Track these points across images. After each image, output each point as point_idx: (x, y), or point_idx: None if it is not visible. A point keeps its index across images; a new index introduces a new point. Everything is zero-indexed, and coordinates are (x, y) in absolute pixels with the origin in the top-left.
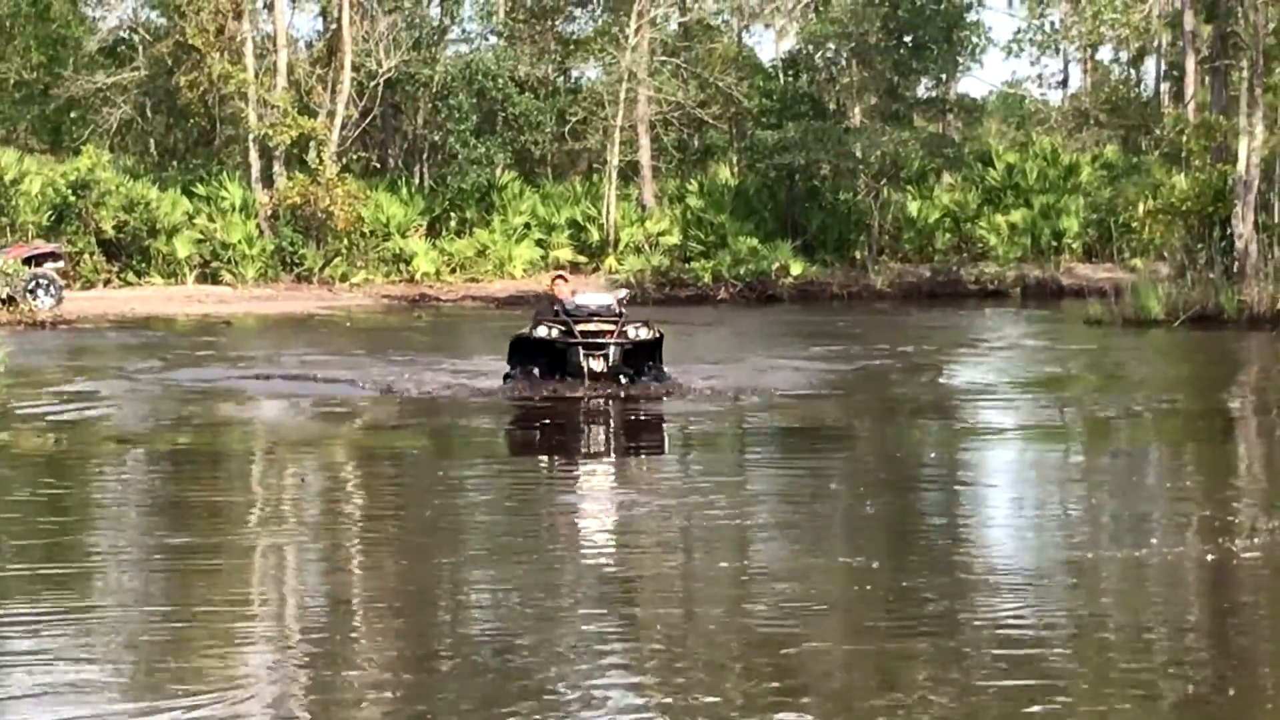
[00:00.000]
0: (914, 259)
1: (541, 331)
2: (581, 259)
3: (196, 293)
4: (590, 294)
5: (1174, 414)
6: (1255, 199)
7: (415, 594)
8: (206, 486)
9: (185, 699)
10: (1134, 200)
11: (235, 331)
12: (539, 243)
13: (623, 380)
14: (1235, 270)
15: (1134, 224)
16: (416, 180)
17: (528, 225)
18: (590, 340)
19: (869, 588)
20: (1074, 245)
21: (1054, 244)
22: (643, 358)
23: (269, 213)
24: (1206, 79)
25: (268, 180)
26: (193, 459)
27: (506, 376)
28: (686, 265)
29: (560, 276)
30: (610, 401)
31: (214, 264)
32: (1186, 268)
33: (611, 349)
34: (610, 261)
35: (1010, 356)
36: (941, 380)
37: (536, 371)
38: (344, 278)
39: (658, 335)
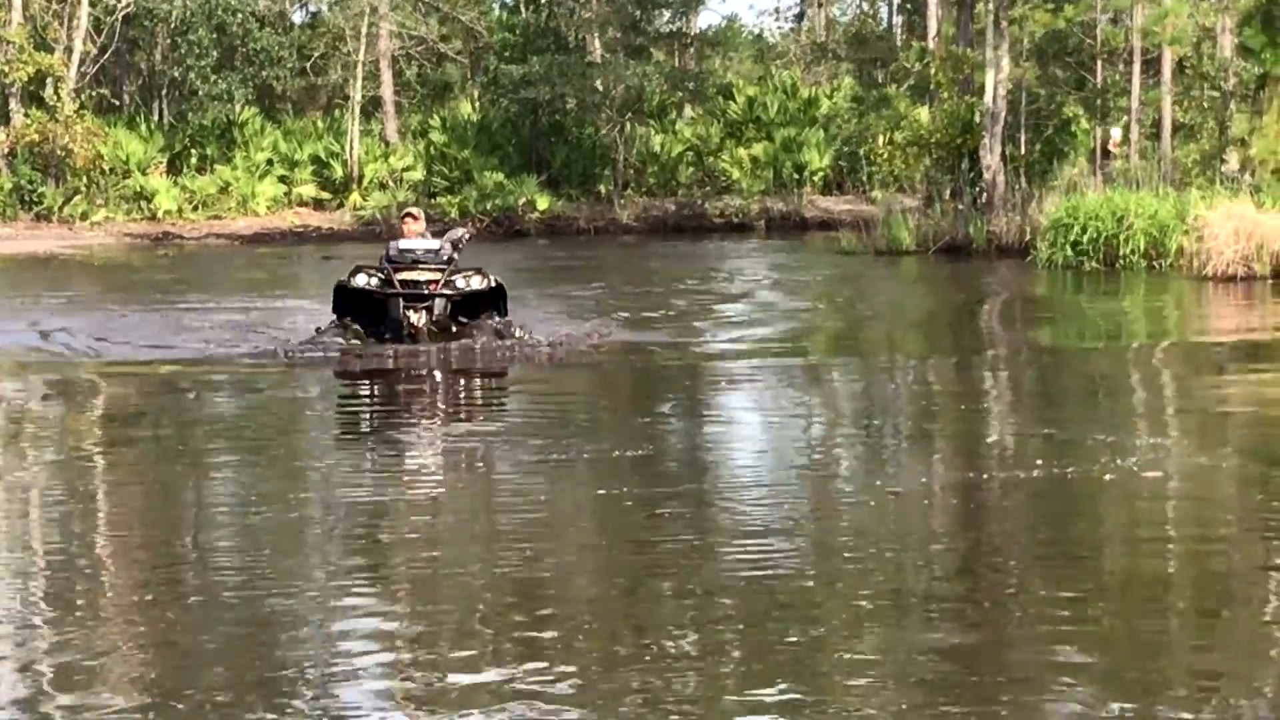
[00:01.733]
0: (658, 193)
1: (360, 280)
2: (325, 195)
3: None
4: (416, 240)
5: (926, 339)
6: (1002, 131)
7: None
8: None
9: None
10: (877, 133)
11: None
12: (282, 179)
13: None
14: (984, 201)
15: (874, 157)
16: (156, 117)
17: (270, 162)
18: (411, 291)
19: (619, 530)
20: (815, 178)
21: (796, 177)
22: (481, 310)
23: (6, 150)
24: (948, 11)
25: (4, 118)
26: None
27: (319, 329)
28: (432, 200)
29: (409, 214)
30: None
31: None
32: (934, 199)
33: (436, 301)
34: (355, 198)
35: (776, 288)
36: (720, 319)
37: (357, 326)
38: (84, 216)
39: (493, 284)
